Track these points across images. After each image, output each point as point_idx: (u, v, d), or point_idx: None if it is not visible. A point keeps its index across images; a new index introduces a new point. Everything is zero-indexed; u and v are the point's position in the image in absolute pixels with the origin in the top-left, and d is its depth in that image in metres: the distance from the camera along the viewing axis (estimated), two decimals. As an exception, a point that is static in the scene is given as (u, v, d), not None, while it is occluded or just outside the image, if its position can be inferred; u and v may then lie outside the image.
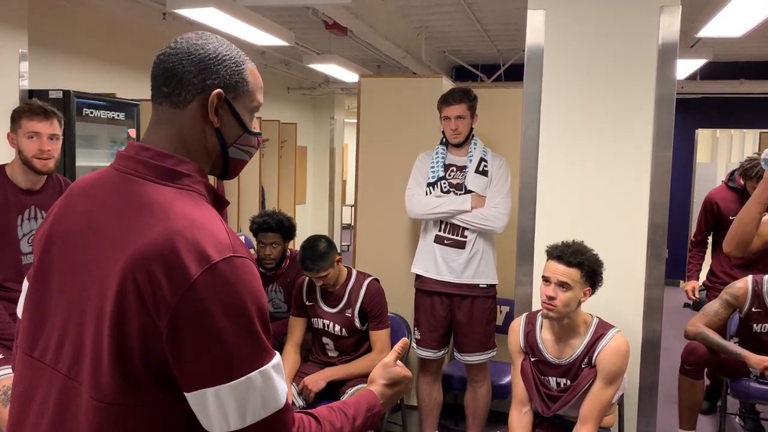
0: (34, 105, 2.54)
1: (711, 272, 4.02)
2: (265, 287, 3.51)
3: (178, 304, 0.93)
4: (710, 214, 3.91)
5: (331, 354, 3.06)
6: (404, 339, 1.32)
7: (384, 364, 1.25)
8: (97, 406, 0.97)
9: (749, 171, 3.61)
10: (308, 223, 8.82)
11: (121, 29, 4.99)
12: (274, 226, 3.34)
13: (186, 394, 0.96)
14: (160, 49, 1.10)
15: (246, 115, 1.10)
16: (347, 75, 6.52)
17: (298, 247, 3.14)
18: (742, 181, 3.74)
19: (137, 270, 0.94)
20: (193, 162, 1.07)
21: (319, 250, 2.87)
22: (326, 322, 3.00)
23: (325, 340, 3.04)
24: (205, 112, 1.06)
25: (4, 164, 2.56)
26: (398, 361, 1.27)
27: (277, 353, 1.02)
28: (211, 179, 1.17)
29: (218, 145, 1.09)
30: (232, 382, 0.95)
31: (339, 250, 2.98)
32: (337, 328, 2.98)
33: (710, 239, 4.09)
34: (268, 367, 0.98)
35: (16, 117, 2.51)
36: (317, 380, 2.88)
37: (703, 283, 4.08)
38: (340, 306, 2.97)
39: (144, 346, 0.95)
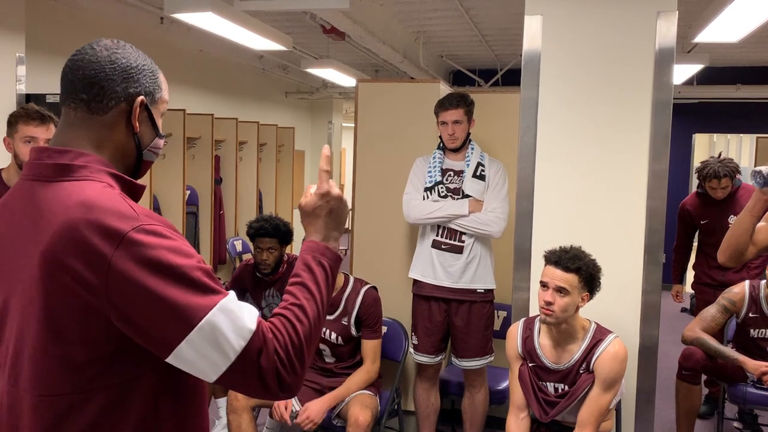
0: (30, 110, 2.53)
1: (695, 275, 4.11)
2: (262, 292, 3.51)
3: (107, 285, 0.96)
4: (683, 220, 4.12)
5: (327, 360, 3.05)
6: (326, 146, 1.21)
7: (303, 205, 1.19)
8: (48, 402, 1.01)
9: (700, 173, 3.87)
10: (306, 228, 8.80)
11: (119, 34, 4.95)
12: (271, 230, 3.32)
13: (168, 361, 0.99)
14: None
15: (158, 119, 1.17)
16: (345, 79, 6.53)
17: (296, 252, 3.14)
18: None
19: (54, 268, 0.97)
20: (94, 154, 1.08)
21: None
22: (323, 329, 2.99)
23: (321, 346, 3.03)
24: (126, 118, 1.11)
25: (0, 168, 2.55)
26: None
27: (232, 292, 1.04)
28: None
29: (134, 149, 1.13)
30: (195, 329, 0.97)
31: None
32: (333, 335, 2.97)
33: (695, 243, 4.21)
34: (223, 301, 1.00)
35: (13, 121, 2.50)
36: (320, 411, 2.80)
37: (692, 286, 4.18)
38: (337, 313, 2.97)
39: (92, 331, 0.98)
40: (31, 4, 3.74)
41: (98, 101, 1.07)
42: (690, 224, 4.09)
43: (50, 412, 1.01)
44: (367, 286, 3.00)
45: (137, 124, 1.10)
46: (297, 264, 1.15)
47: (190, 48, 5.84)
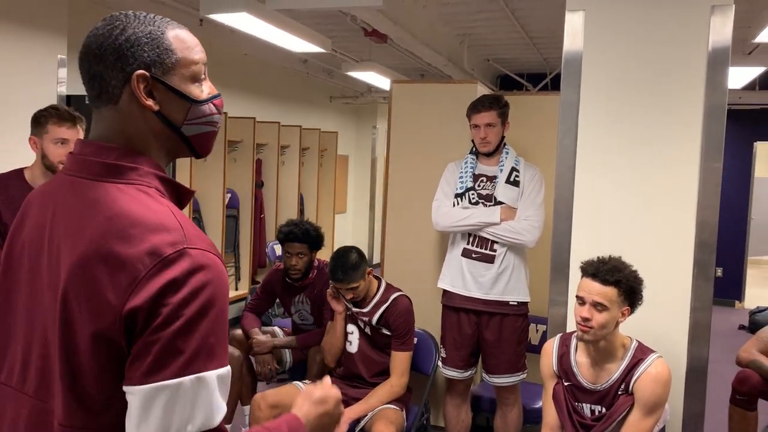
0: (62, 110, 2.49)
1: None
2: (291, 298, 3.45)
3: (128, 305, 0.86)
4: None
5: (350, 350, 2.96)
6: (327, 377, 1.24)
7: (307, 390, 1.15)
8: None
9: None
10: (348, 233, 8.76)
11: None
12: (300, 236, 3.25)
13: (133, 388, 0.86)
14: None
15: (187, 85, 1.00)
16: (388, 83, 6.44)
17: (327, 258, 3.05)
18: None
19: (78, 275, 0.88)
20: (142, 154, 0.98)
21: (350, 261, 2.80)
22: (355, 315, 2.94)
23: (350, 328, 2.96)
24: (138, 100, 0.97)
25: (24, 168, 2.54)
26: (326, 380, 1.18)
27: (228, 367, 0.92)
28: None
29: (166, 128, 1.00)
30: (186, 378, 0.86)
31: (379, 261, 2.91)
32: (362, 321, 2.92)
33: None
34: (223, 371, 0.90)
35: (42, 121, 2.47)
36: (340, 426, 2.74)
37: None
38: (366, 309, 2.89)
39: (95, 360, 0.88)
40: (74, 6, 3.77)
41: (105, 92, 0.97)
42: None
43: None
44: (399, 293, 2.88)
45: (149, 103, 0.97)
46: (279, 421, 1.06)
47: (234, 51, 5.86)
